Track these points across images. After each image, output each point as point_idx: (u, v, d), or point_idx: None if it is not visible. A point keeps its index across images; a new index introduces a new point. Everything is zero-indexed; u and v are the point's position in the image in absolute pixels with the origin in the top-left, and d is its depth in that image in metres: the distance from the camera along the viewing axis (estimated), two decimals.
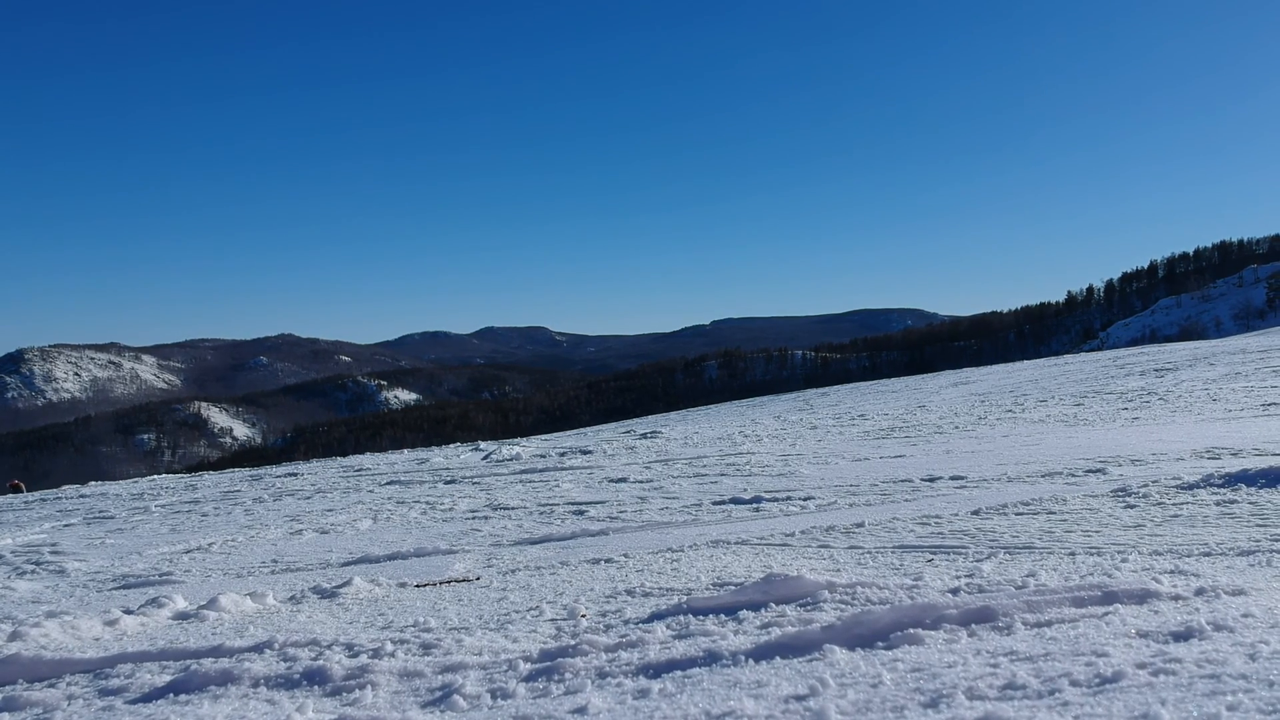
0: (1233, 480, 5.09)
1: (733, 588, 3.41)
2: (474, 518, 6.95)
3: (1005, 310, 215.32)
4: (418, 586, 4.40)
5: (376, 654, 2.84)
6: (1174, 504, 4.66)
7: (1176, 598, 2.55)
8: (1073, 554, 3.66)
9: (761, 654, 2.40)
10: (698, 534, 5.27)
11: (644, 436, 15.04)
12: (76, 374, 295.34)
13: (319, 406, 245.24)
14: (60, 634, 3.67)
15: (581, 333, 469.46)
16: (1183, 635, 2.21)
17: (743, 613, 2.90)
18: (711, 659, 2.42)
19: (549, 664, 2.55)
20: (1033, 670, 2.10)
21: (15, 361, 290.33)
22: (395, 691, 2.56)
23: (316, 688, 2.64)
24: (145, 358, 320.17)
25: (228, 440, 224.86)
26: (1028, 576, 3.11)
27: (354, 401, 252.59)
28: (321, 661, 2.79)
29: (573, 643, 2.70)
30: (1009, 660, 2.18)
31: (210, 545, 6.64)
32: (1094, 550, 3.69)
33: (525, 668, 2.57)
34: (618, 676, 2.43)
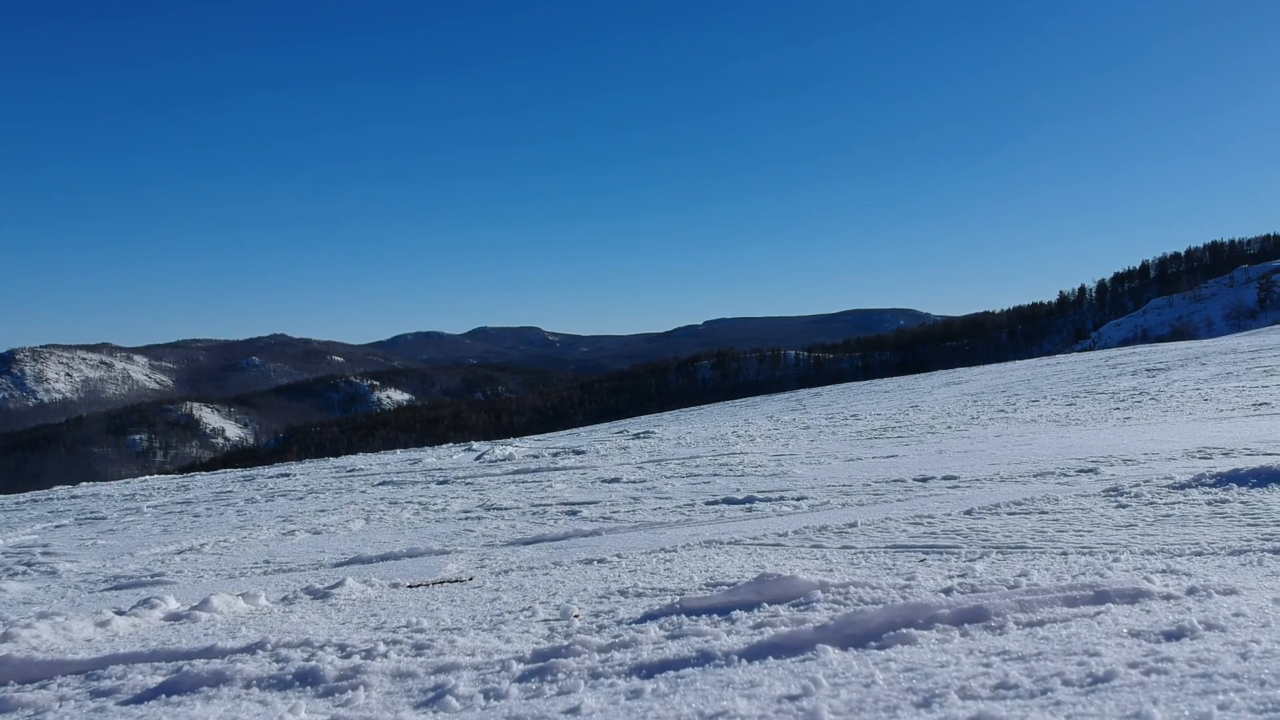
0: (1224, 480, 5.10)
1: (726, 588, 3.40)
2: (467, 518, 6.95)
3: (998, 310, 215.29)
4: (410, 587, 4.39)
5: (369, 654, 2.83)
6: (1166, 504, 4.66)
7: (1168, 597, 2.55)
8: (1065, 554, 3.66)
9: (754, 654, 2.39)
10: (691, 534, 5.28)
11: (637, 437, 15.04)
12: (68, 374, 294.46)
13: (311, 407, 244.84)
14: (52, 635, 3.65)
15: (574, 333, 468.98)
16: (1175, 634, 2.21)
17: (736, 613, 2.90)
18: (704, 659, 2.41)
19: (542, 664, 2.55)
20: (1025, 670, 2.10)
21: (6, 362, 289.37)
22: (388, 692, 2.55)
23: (309, 688, 2.63)
24: (137, 358, 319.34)
25: (220, 441, 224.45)
26: (1020, 576, 3.10)
27: (346, 402, 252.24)
28: (314, 662, 2.78)
29: (566, 643, 2.70)
30: (1001, 660, 2.18)
31: (202, 546, 6.63)
32: (1086, 550, 3.69)
33: (518, 668, 2.57)
34: (611, 677, 2.42)
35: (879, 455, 9.12)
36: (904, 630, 2.38)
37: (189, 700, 2.64)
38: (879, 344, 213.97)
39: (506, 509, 7.28)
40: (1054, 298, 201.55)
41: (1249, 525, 3.95)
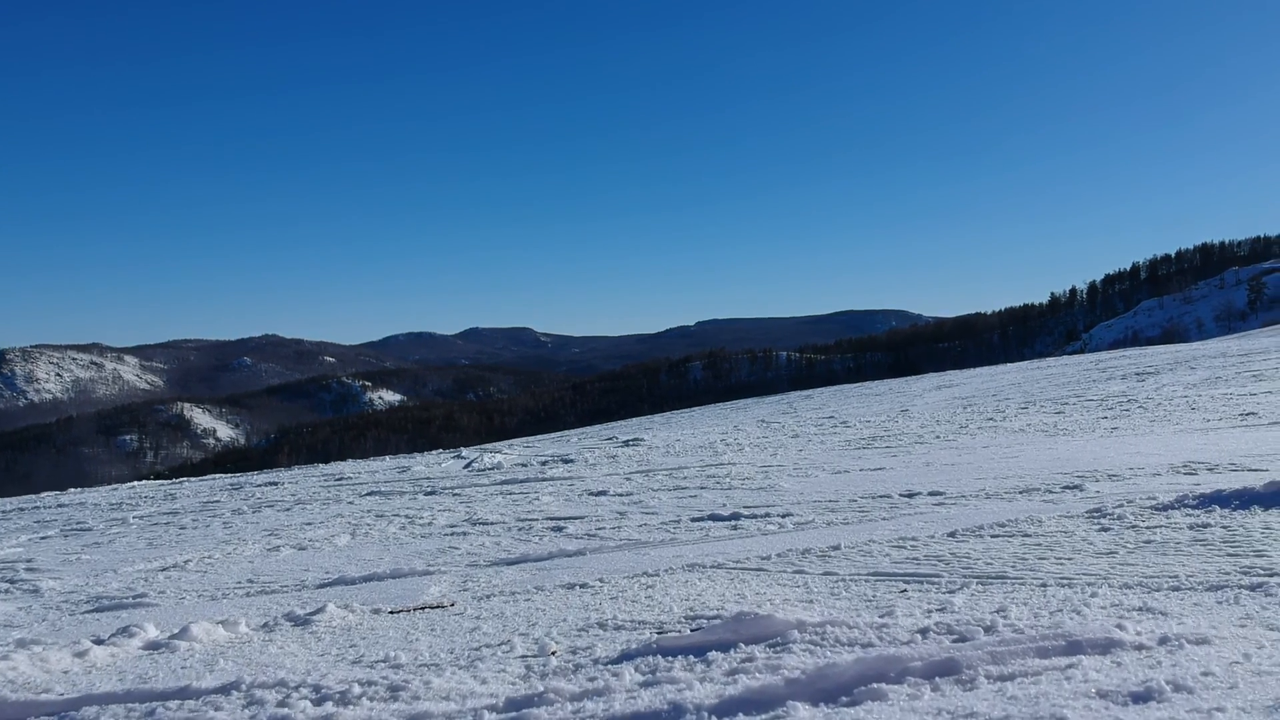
0: (1207, 501, 5.11)
1: (704, 622, 3.40)
2: (452, 533, 6.93)
3: (989, 311, 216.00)
4: (391, 613, 4.38)
5: (343, 699, 2.81)
6: (1148, 527, 4.67)
7: (1140, 647, 2.54)
8: (1044, 585, 3.66)
9: (724, 710, 2.37)
10: (674, 555, 5.27)
11: (626, 444, 15.03)
12: (58, 374, 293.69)
13: (303, 407, 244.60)
14: (29, 667, 3.64)
15: (566, 334, 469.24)
16: (1142, 696, 2.19)
17: (712, 654, 2.88)
18: (675, 713, 2.40)
19: (514, 715, 2.53)
20: None
21: None
22: None
23: None
24: (128, 358, 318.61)
25: (211, 441, 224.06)
26: (996, 614, 3.10)
27: (338, 402, 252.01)
28: (287, 709, 2.76)
29: (540, 689, 2.68)
30: None
31: (186, 563, 6.61)
32: (1065, 581, 3.69)
33: (491, 718, 2.55)
34: None
35: (866, 467, 9.12)
36: (875, 685, 2.37)
37: None
38: (870, 345, 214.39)
39: (492, 524, 7.27)
40: (1045, 299, 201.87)
41: (1228, 555, 3.96)
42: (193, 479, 16.82)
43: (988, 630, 2.83)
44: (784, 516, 6.39)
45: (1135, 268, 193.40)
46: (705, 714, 2.36)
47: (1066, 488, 6.67)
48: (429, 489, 10.50)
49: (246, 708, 2.85)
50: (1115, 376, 20.95)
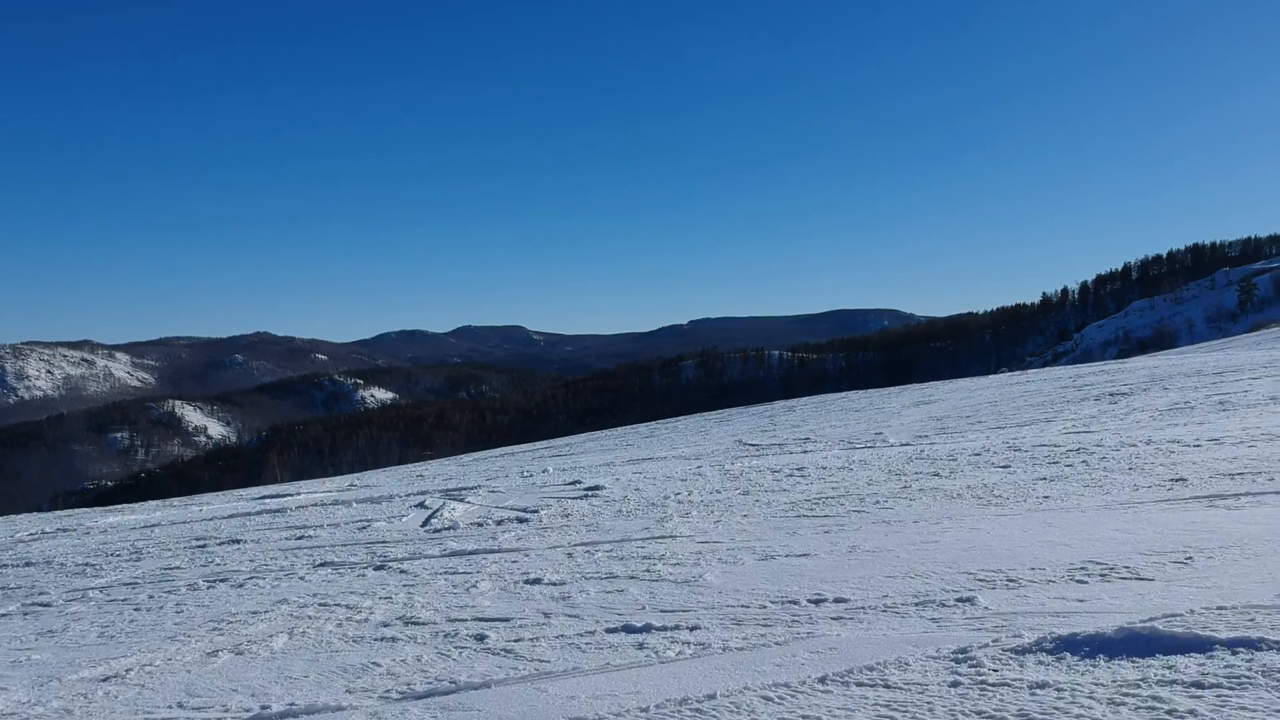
0: (1062, 645, 5.47)
1: None
2: (382, 639, 7.30)
3: (981, 311, 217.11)
4: None
5: None
6: (993, 686, 5.04)
7: None
8: None
9: None
10: (568, 697, 5.63)
11: (587, 493, 15.38)
12: (49, 371, 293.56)
13: (295, 405, 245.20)
14: None
15: (559, 332, 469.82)
16: None
17: None
18: None
19: None
20: None
21: None
22: None
23: None
24: (119, 355, 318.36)
25: (202, 439, 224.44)
26: None
27: (330, 400, 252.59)
28: None
29: None
30: None
31: (128, 672, 6.96)
32: None
33: None
34: None
35: (793, 552, 9.49)
36: None
37: None
38: (863, 344, 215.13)
39: (424, 623, 7.64)
40: (1037, 299, 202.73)
41: None
42: (161, 513, 17.10)
43: None
44: (692, 630, 6.77)
45: (1127, 268, 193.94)
46: None
47: (960, 600, 7.05)
48: (379, 560, 10.86)
49: None
50: (1089, 396, 21.33)
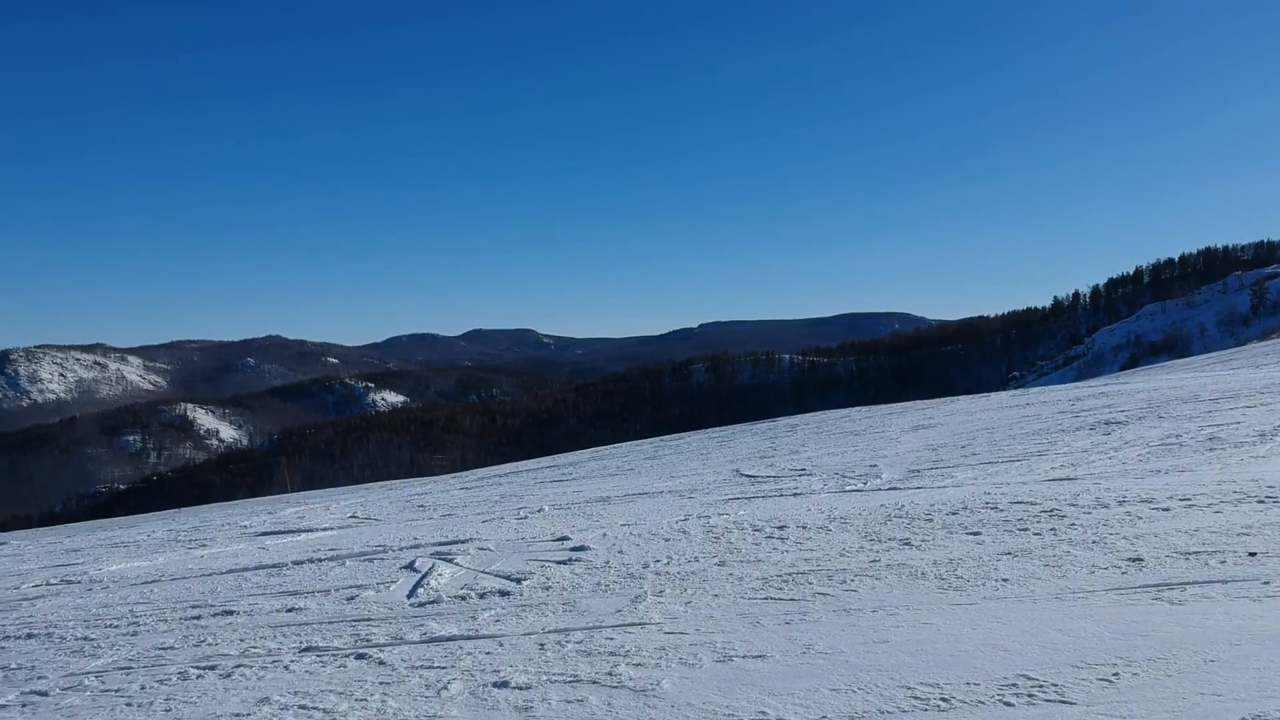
0: None
1: None
2: None
3: (992, 315, 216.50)
4: None
5: None
6: None
7: None
8: None
9: None
10: None
11: (571, 555, 15.75)
12: (62, 375, 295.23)
13: (306, 408, 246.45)
14: None
15: (569, 335, 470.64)
16: None
17: None
18: None
19: None
20: None
21: (0, 362, 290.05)
22: None
23: None
24: (131, 359, 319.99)
25: (214, 442, 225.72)
26: None
27: (341, 403, 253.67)
28: None
29: None
30: None
31: None
32: None
33: None
34: None
35: (750, 653, 9.81)
36: None
37: None
38: (874, 348, 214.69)
39: None
40: (1048, 302, 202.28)
41: None
42: (164, 558, 17.49)
43: None
44: None
45: (1138, 271, 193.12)
46: None
47: None
48: (362, 644, 11.28)
49: None
50: (1085, 424, 21.57)
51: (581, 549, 16.75)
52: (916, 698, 8.03)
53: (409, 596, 13.83)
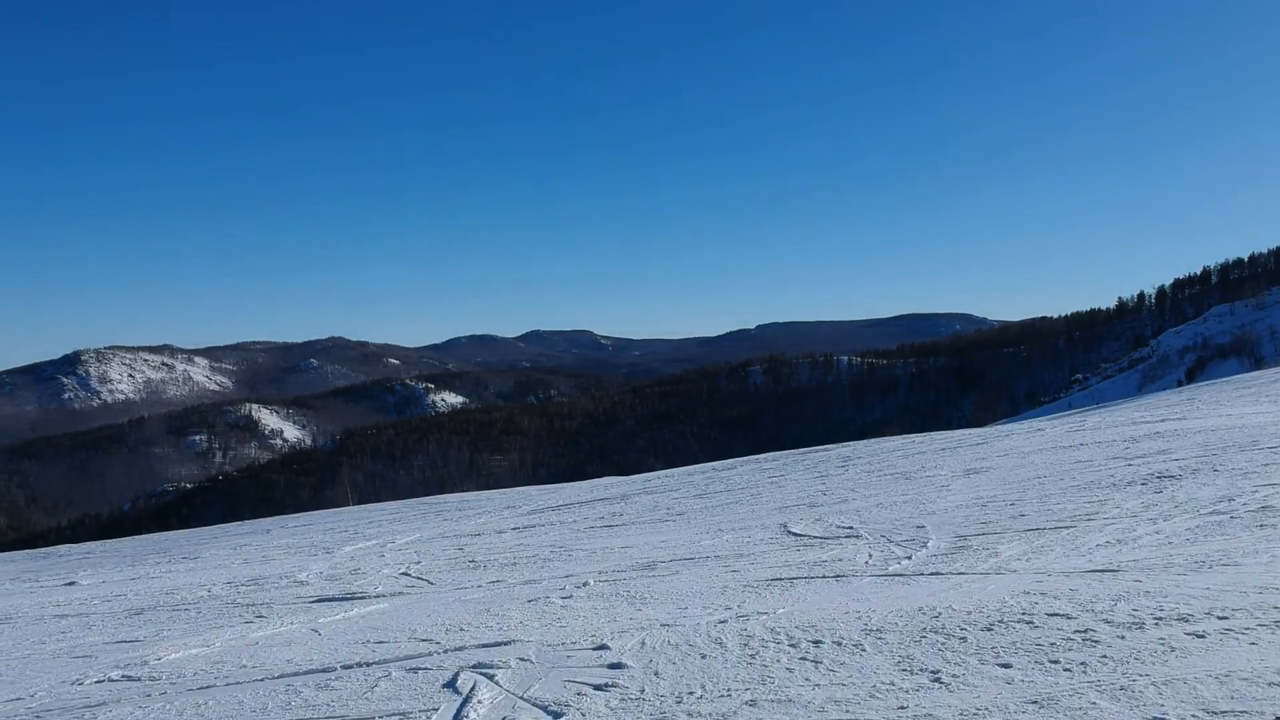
0: None
1: None
2: None
3: (1055, 316, 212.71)
4: None
5: None
6: None
7: None
8: None
9: None
10: None
11: (609, 674, 15.45)
12: (130, 375, 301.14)
13: (367, 409, 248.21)
14: None
15: (626, 336, 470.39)
16: None
17: None
18: None
19: None
20: None
21: (71, 363, 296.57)
22: None
23: None
24: (198, 359, 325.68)
25: (278, 442, 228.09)
26: None
27: (402, 404, 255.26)
28: None
29: None
30: None
31: None
32: None
33: None
34: None
35: None
36: None
37: None
38: (933, 350, 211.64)
39: None
40: (1112, 304, 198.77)
41: None
42: (220, 644, 17.37)
43: None
44: None
45: (1206, 272, 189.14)
46: None
47: None
48: None
49: None
50: (1136, 478, 20.70)
51: (619, 666, 16.08)
52: None
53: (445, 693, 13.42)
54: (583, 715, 14.03)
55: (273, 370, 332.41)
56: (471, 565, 20.59)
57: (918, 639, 16.09)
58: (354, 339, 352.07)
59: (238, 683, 15.19)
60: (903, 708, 12.75)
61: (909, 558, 17.52)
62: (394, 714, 14.51)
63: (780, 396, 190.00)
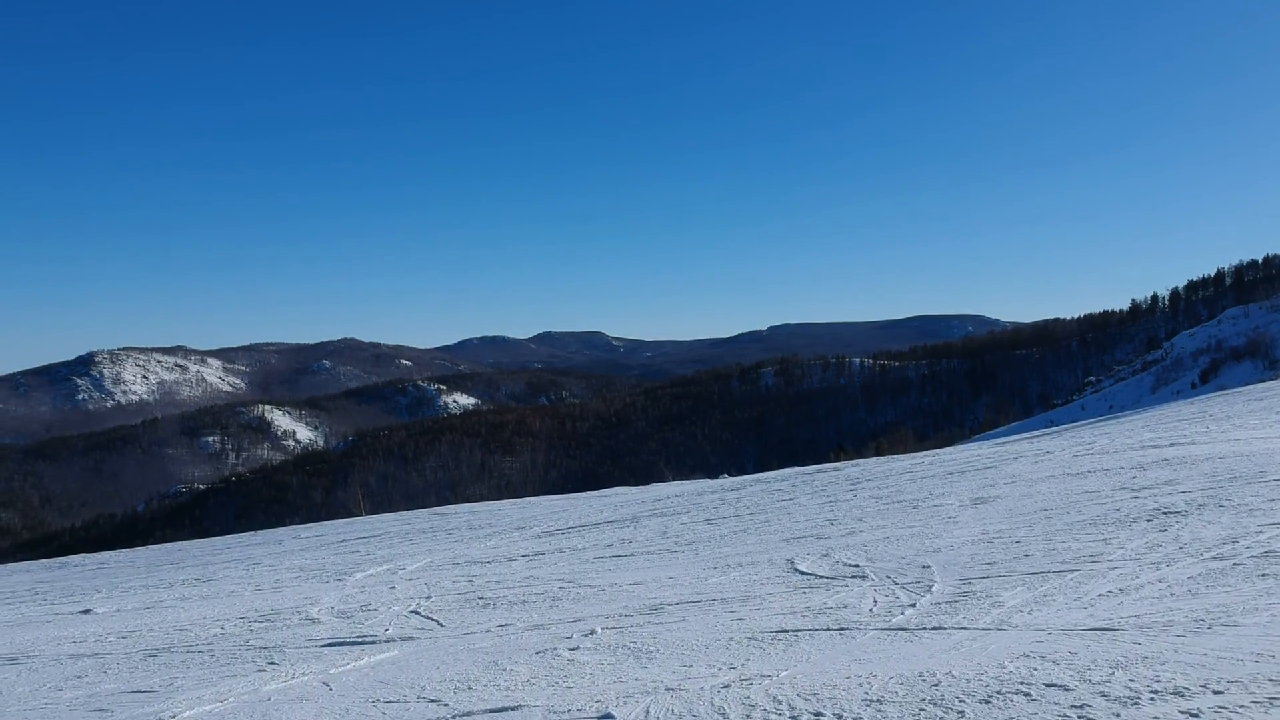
0: None
1: None
2: None
3: (1068, 317, 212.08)
4: None
5: None
6: None
7: None
8: None
9: None
10: None
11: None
12: (144, 376, 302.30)
13: (380, 410, 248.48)
14: None
15: (638, 337, 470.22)
16: None
17: None
18: None
19: None
20: None
21: (85, 364, 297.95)
22: None
23: None
24: (211, 361, 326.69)
25: (291, 443, 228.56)
26: None
27: (414, 405, 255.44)
28: None
29: None
30: None
31: None
32: None
33: None
34: None
35: None
36: None
37: None
38: (945, 351, 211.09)
39: None
40: (1125, 305, 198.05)
41: None
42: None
43: None
44: None
45: (1220, 273, 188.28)
46: None
47: None
48: None
49: None
50: (1143, 513, 20.49)
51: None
52: None
53: None
54: None
55: (285, 371, 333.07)
56: (481, 603, 20.68)
57: (916, 712, 16.19)
58: (366, 340, 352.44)
59: None
60: None
61: (913, 605, 17.50)
62: None
63: (792, 398, 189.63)
